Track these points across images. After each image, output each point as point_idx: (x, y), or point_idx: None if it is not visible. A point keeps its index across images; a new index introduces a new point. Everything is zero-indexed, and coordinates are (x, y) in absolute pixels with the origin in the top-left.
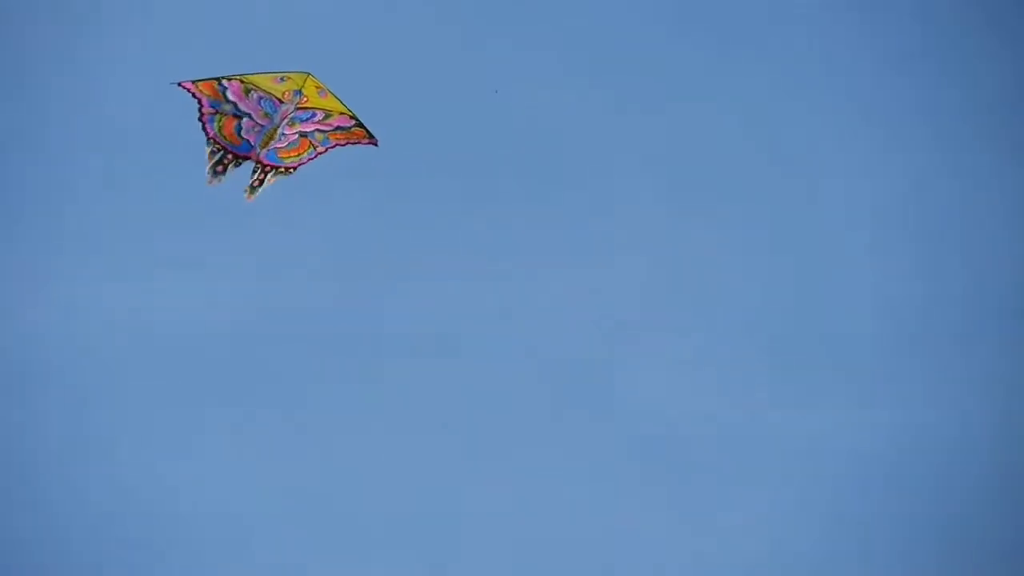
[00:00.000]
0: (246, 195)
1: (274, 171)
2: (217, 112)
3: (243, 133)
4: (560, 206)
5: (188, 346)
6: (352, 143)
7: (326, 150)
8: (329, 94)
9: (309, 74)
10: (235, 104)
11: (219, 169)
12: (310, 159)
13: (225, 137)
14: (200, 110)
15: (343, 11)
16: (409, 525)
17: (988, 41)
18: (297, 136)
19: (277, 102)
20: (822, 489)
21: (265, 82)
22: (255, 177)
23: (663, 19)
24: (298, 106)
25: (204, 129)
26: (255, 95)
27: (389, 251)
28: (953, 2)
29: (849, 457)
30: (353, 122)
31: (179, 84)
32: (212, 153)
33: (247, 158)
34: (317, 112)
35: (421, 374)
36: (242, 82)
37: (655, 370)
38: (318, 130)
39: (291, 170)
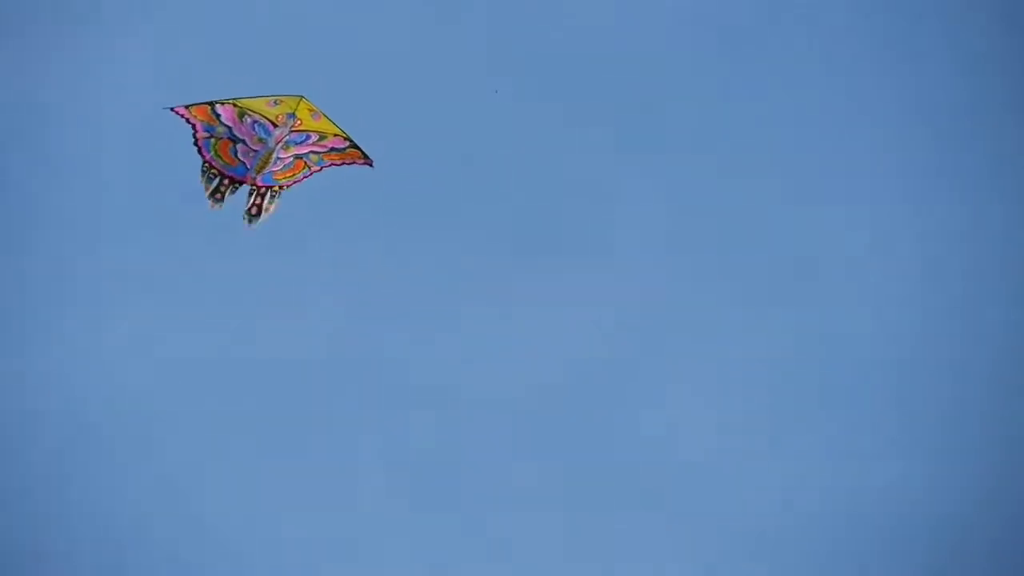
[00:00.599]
0: (245, 222)
1: (270, 193)
2: (211, 136)
3: (239, 155)
4: (563, 249)
5: (219, 383)
6: (347, 163)
7: (321, 169)
8: (323, 116)
9: (302, 97)
10: (230, 128)
11: (218, 195)
12: (305, 177)
13: (222, 159)
14: (195, 135)
15: (340, 34)
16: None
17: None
18: (292, 158)
19: (271, 126)
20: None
21: (259, 106)
22: (251, 202)
23: (675, 61)
24: (292, 129)
25: (200, 153)
26: (249, 119)
27: (395, 289)
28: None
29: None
30: (347, 143)
31: (172, 109)
32: (208, 180)
33: (243, 181)
34: (311, 134)
35: (416, 418)
36: (235, 106)
37: (659, 414)
38: (313, 152)
39: (286, 187)
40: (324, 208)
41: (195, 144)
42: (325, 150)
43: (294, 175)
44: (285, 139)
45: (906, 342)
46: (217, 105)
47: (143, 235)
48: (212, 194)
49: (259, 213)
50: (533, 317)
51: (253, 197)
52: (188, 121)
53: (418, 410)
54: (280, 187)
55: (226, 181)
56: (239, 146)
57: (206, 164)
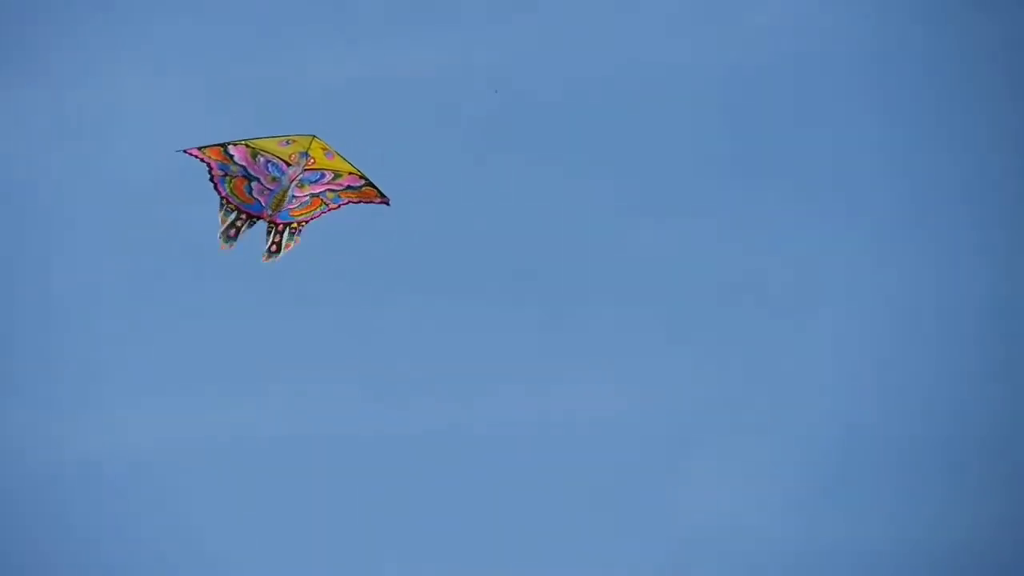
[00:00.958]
0: (263, 258)
1: (288, 231)
2: (226, 175)
3: (254, 193)
4: (592, 308)
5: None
6: (364, 202)
7: (338, 207)
8: (336, 155)
9: (314, 136)
10: (244, 167)
11: (231, 233)
12: (322, 214)
13: (238, 197)
14: (210, 172)
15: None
16: None
17: None
18: (308, 197)
19: (284, 165)
20: None
21: (271, 145)
22: (271, 240)
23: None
24: (305, 168)
25: (216, 189)
26: (262, 159)
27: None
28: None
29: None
30: (363, 182)
31: (185, 151)
32: (225, 213)
33: (260, 218)
34: (326, 173)
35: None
36: (248, 146)
37: (712, 480)
38: (329, 190)
39: (303, 224)
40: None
41: (211, 180)
42: (341, 188)
43: (311, 211)
44: (299, 178)
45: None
46: (229, 146)
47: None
48: (227, 230)
49: (278, 250)
50: (561, 388)
51: (272, 235)
52: (201, 160)
53: (445, 486)
54: (298, 224)
55: (243, 216)
56: (254, 184)
57: (223, 200)
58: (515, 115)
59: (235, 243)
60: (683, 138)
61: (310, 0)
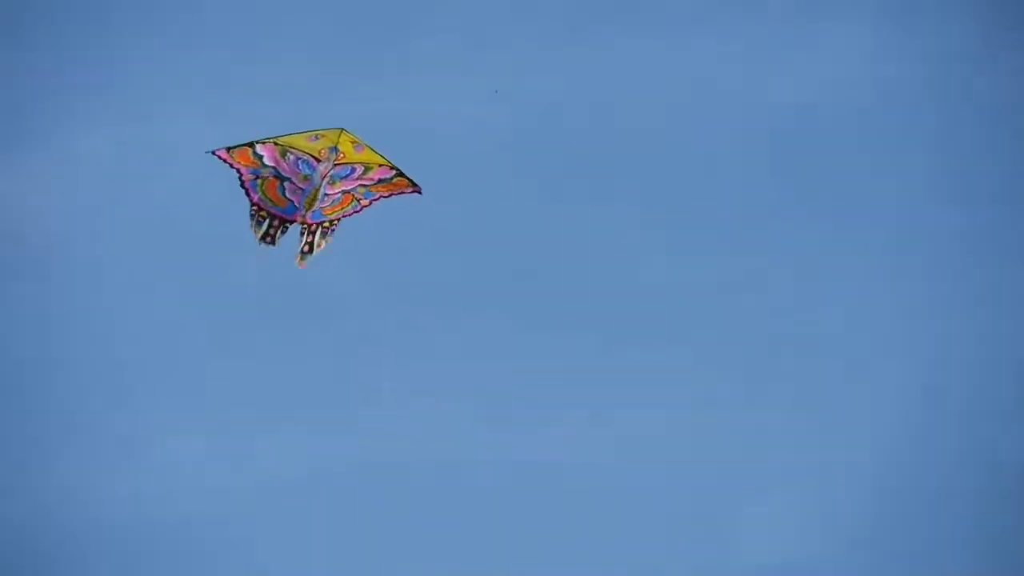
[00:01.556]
0: (296, 261)
1: (321, 230)
2: (258, 177)
3: (287, 194)
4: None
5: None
6: (396, 194)
7: (370, 203)
8: (365, 147)
9: (343, 130)
10: (274, 167)
11: (267, 240)
12: (355, 211)
13: (270, 200)
14: (240, 177)
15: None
16: None
17: None
18: (340, 194)
19: (314, 162)
20: None
21: (299, 142)
22: (304, 241)
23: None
24: (336, 163)
25: (248, 195)
26: (291, 156)
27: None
28: None
29: None
30: (393, 172)
31: (213, 153)
32: (257, 224)
33: (292, 220)
34: (356, 167)
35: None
36: (276, 144)
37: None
38: (360, 185)
39: (335, 222)
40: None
41: (242, 186)
42: (372, 182)
43: (343, 209)
44: (330, 174)
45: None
46: (257, 145)
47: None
48: (263, 238)
49: (311, 251)
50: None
51: (305, 235)
52: (230, 166)
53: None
54: (331, 222)
55: (275, 222)
56: (286, 184)
57: (254, 207)
58: (572, 147)
59: (276, 244)
60: (739, 176)
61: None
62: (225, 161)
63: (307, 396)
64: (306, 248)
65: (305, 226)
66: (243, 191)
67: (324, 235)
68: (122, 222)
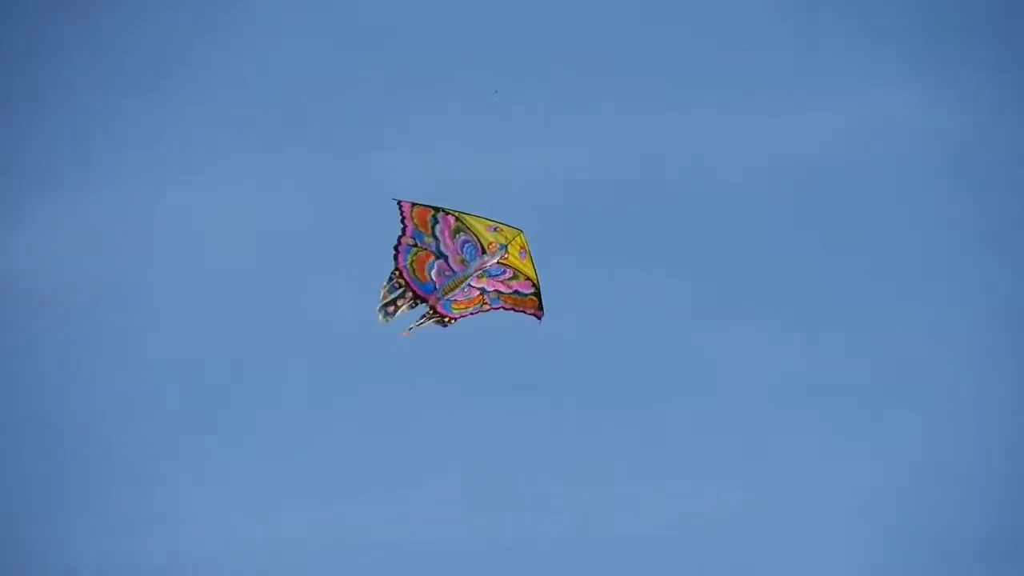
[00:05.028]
0: (405, 334)
1: (440, 318)
2: (416, 245)
3: (433, 273)
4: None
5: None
6: (518, 310)
7: (492, 309)
8: (529, 258)
9: (521, 232)
10: (438, 241)
11: (390, 309)
12: (473, 315)
13: (415, 272)
14: (399, 239)
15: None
16: None
17: None
18: (478, 291)
19: (480, 251)
20: None
21: (479, 226)
22: (420, 320)
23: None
24: (498, 261)
25: (396, 258)
26: (462, 237)
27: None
28: None
29: None
30: (533, 290)
31: (399, 202)
32: (392, 288)
33: (424, 300)
34: (508, 270)
35: None
36: (457, 219)
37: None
38: (497, 289)
39: (452, 321)
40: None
41: (395, 248)
42: (509, 291)
43: (469, 308)
44: (487, 268)
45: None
46: (441, 213)
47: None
48: (387, 305)
49: (419, 326)
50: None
51: (423, 318)
52: (403, 221)
53: None
54: (452, 319)
55: (408, 295)
56: (438, 263)
57: (397, 271)
58: (590, 214)
59: (391, 319)
60: (762, 239)
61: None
62: (402, 214)
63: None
64: (416, 325)
65: (432, 310)
66: (394, 252)
67: (440, 322)
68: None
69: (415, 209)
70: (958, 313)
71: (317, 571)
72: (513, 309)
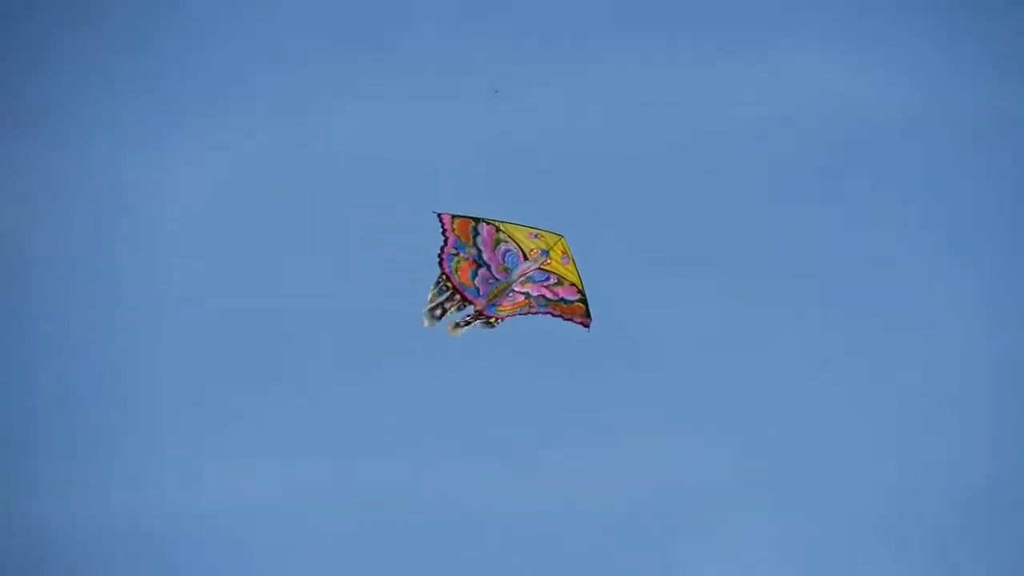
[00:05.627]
0: (450, 328)
1: (486, 321)
2: (458, 254)
3: (477, 280)
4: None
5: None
6: (566, 318)
7: (539, 314)
8: (572, 263)
9: (562, 237)
10: (480, 251)
11: (437, 312)
12: (522, 315)
13: (459, 278)
14: (442, 248)
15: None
16: None
17: None
18: (523, 295)
19: (521, 258)
20: None
21: (519, 234)
22: (466, 319)
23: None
24: (540, 267)
25: (441, 265)
26: (503, 247)
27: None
28: None
29: None
30: (578, 297)
31: (438, 214)
32: (439, 291)
33: (472, 303)
34: (552, 276)
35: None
36: (498, 229)
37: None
38: (543, 295)
39: (499, 321)
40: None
41: (439, 256)
42: (555, 298)
43: (515, 310)
44: (529, 274)
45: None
46: (482, 223)
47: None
48: (434, 308)
49: (466, 325)
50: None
51: (472, 317)
52: (443, 233)
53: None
54: (495, 321)
55: (457, 297)
56: (481, 271)
57: (443, 276)
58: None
59: (437, 323)
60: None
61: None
62: (443, 226)
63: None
64: (464, 323)
65: (478, 313)
66: (439, 260)
67: (486, 323)
68: None
69: (456, 221)
70: (890, 274)
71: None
72: (561, 317)
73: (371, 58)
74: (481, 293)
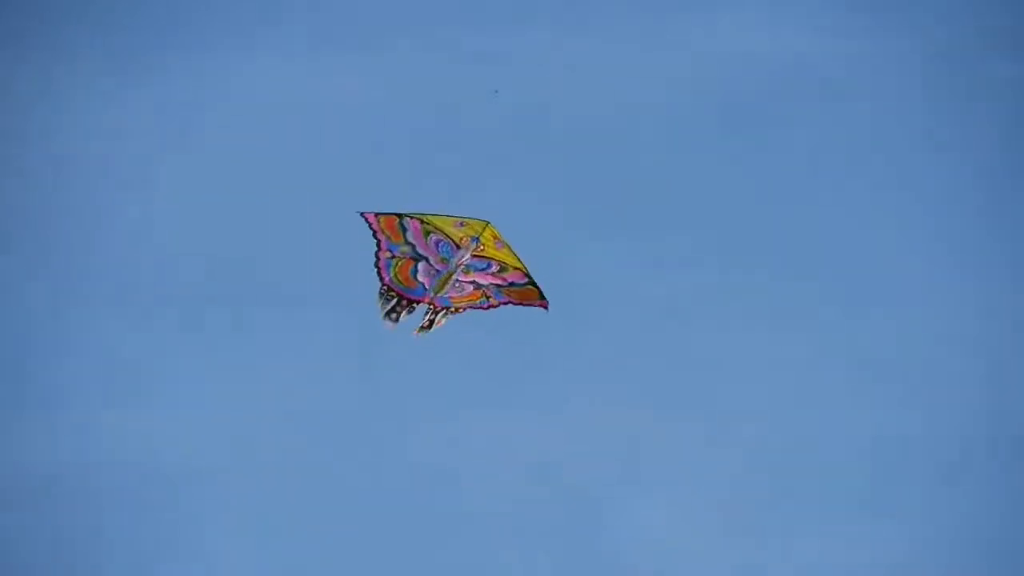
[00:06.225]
0: (415, 332)
1: (445, 312)
2: (394, 256)
3: (418, 276)
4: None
5: None
6: (524, 304)
7: (498, 304)
8: (506, 246)
9: (488, 223)
10: (413, 246)
11: (393, 316)
12: (482, 307)
13: (400, 282)
14: (377, 255)
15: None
16: None
17: None
18: (472, 286)
19: (454, 247)
20: None
21: (445, 225)
22: (426, 318)
23: None
24: (474, 253)
25: (380, 276)
26: (433, 238)
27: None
28: None
29: None
30: (526, 280)
31: (362, 214)
32: (385, 300)
33: (420, 302)
34: (492, 263)
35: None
36: (422, 222)
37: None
38: (494, 283)
39: (461, 311)
40: None
41: (376, 266)
42: (505, 284)
43: (470, 301)
44: (465, 263)
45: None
46: (406, 218)
47: None
48: (387, 314)
49: (430, 326)
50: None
51: (427, 314)
52: (374, 235)
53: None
54: (456, 309)
55: (403, 302)
56: (420, 264)
57: (384, 287)
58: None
59: (397, 324)
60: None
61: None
62: (371, 226)
63: None
64: (426, 324)
65: (431, 307)
66: (376, 270)
67: (445, 315)
68: None
69: (381, 219)
70: (834, 231)
71: None
72: (520, 304)
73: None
74: (427, 287)
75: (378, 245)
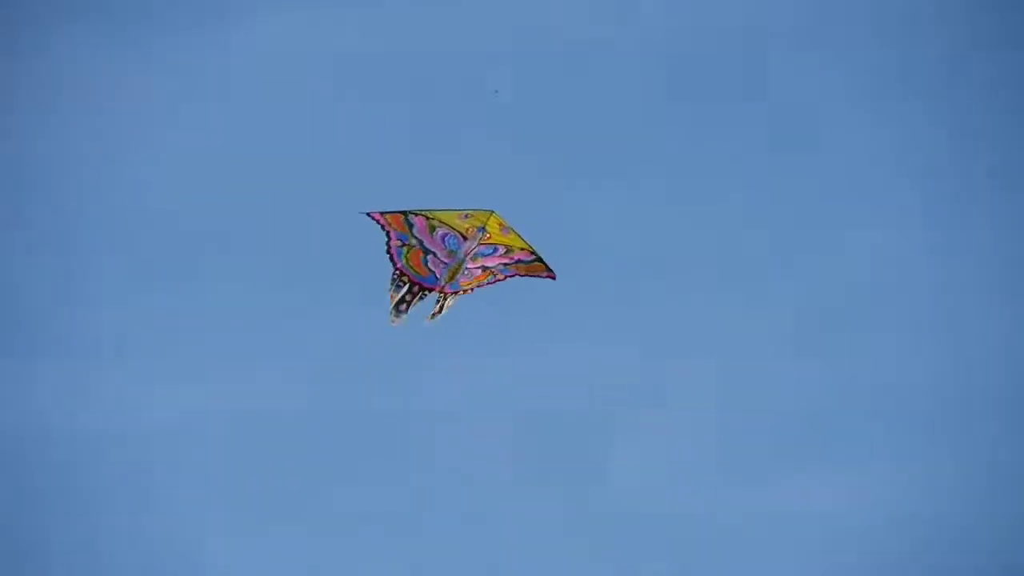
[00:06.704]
0: (427, 319)
1: (454, 294)
2: (405, 244)
3: (429, 265)
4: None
5: None
6: (531, 275)
7: (505, 278)
8: (512, 231)
9: (493, 212)
10: (421, 241)
11: (402, 308)
12: (490, 283)
13: (413, 268)
14: (388, 243)
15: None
16: None
17: None
18: (480, 269)
19: (461, 239)
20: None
21: (450, 219)
22: (437, 305)
23: None
24: (481, 242)
25: (392, 261)
26: (439, 232)
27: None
28: None
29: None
30: (533, 257)
31: (368, 214)
32: (397, 287)
33: (432, 290)
34: (499, 247)
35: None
36: (428, 218)
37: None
38: (500, 263)
39: (470, 291)
40: None
41: (387, 252)
42: (512, 262)
43: (479, 282)
44: (474, 251)
45: None
46: (411, 215)
47: None
48: (397, 304)
49: (440, 311)
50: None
51: (439, 301)
52: (383, 228)
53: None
54: (465, 291)
55: (415, 289)
56: (429, 256)
57: (397, 272)
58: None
59: (405, 316)
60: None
61: None
62: (379, 223)
63: None
64: (438, 310)
65: (442, 294)
66: (388, 256)
67: (454, 297)
68: None
69: (387, 216)
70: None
71: None
72: (526, 275)
73: None
74: (438, 276)
75: (388, 236)
